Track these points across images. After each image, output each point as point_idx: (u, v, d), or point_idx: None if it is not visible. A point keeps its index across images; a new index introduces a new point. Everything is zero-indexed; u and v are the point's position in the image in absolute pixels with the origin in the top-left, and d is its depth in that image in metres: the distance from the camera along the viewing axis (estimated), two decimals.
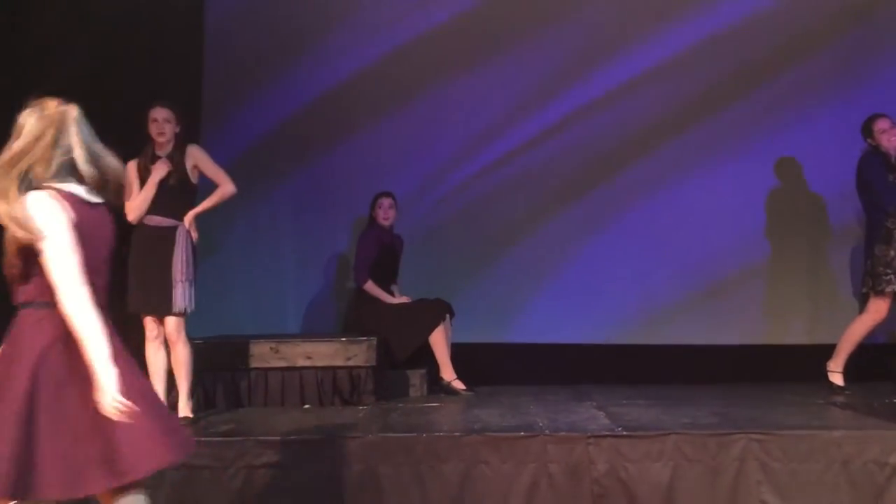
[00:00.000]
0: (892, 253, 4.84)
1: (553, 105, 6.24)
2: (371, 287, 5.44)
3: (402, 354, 5.29)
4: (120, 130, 4.88)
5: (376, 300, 5.43)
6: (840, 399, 4.84)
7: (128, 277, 4.29)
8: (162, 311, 4.22)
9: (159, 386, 4.29)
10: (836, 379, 5.12)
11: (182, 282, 4.20)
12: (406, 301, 5.49)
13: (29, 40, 5.07)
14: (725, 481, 3.69)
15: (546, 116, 6.23)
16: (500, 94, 6.24)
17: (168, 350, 4.32)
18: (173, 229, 4.24)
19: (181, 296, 4.19)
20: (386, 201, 5.59)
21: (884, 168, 4.94)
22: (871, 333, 5.14)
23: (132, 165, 4.31)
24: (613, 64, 6.24)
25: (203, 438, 3.86)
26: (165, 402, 4.25)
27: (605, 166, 6.22)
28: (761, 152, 6.16)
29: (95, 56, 5.06)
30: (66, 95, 4.94)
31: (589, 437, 3.75)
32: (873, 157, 4.99)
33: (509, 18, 6.29)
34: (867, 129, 5.08)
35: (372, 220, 5.61)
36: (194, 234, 4.30)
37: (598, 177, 6.21)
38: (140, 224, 4.26)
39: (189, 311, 4.26)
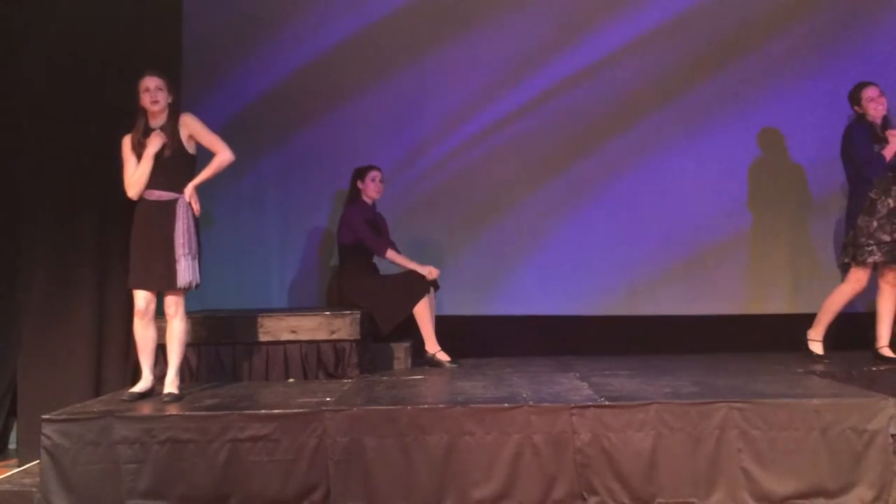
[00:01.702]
0: (875, 224, 4.87)
1: (534, 78, 6.22)
2: (392, 255, 5.42)
3: (387, 327, 5.30)
4: (99, 105, 4.92)
5: (361, 273, 5.42)
6: (819, 368, 4.89)
7: (121, 252, 4.26)
8: (166, 285, 4.17)
9: (147, 360, 4.28)
10: (816, 348, 5.19)
11: (184, 255, 4.13)
12: (422, 269, 5.40)
13: (3, 15, 4.98)
14: (706, 449, 3.74)
15: (528, 90, 6.22)
16: (483, 68, 6.22)
17: (157, 325, 4.28)
18: (174, 202, 4.18)
19: (185, 270, 4.13)
20: (378, 174, 5.54)
21: (869, 137, 4.94)
22: (851, 303, 5.20)
23: (126, 141, 4.25)
24: (594, 37, 6.23)
25: (188, 413, 3.87)
26: (151, 376, 4.26)
27: (586, 139, 6.22)
28: (743, 123, 6.18)
29: (72, 31, 4.98)
30: (44, 71, 4.93)
31: (572, 408, 3.78)
32: (859, 126, 4.99)
33: None
34: (855, 97, 5.06)
35: (356, 193, 5.55)
36: (196, 206, 4.23)
37: (579, 150, 6.22)
38: (140, 199, 4.21)
39: (195, 284, 4.21)
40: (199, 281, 4.24)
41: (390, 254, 5.44)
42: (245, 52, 6.17)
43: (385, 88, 6.22)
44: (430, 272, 5.40)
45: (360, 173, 5.55)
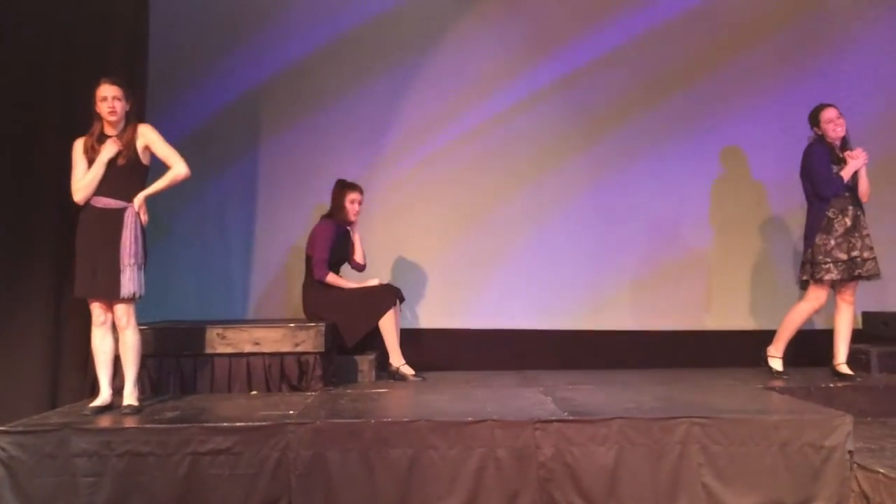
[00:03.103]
0: (832, 242, 4.95)
1: (499, 95, 6.28)
2: (332, 279, 5.40)
3: (352, 340, 5.28)
4: (62, 110, 4.84)
5: (326, 285, 5.39)
6: (779, 384, 4.96)
7: (74, 261, 4.19)
8: (110, 295, 4.11)
9: (105, 372, 4.21)
10: (776, 364, 5.25)
11: (131, 266, 4.07)
12: (372, 285, 5.45)
13: None
14: (668, 464, 3.77)
15: (494, 104, 6.27)
16: (451, 82, 6.26)
17: (115, 336, 4.22)
18: (122, 211, 4.11)
19: (130, 280, 4.07)
20: (358, 196, 5.51)
21: (827, 158, 5.02)
22: (810, 320, 5.28)
23: (78, 144, 4.20)
24: (560, 54, 6.32)
25: (148, 425, 3.82)
26: (111, 389, 4.19)
27: (552, 155, 6.28)
28: (705, 142, 6.29)
29: (33, 37, 4.91)
30: (5, 75, 4.84)
31: (536, 422, 3.79)
32: (818, 147, 5.06)
33: (458, 6, 6.31)
34: (814, 118, 5.13)
35: (334, 210, 5.49)
36: (144, 217, 4.18)
37: (544, 165, 6.28)
38: (87, 205, 4.14)
39: (139, 295, 4.15)
40: (142, 292, 4.17)
41: (329, 277, 5.39)
42: (212, 63, 6.14)
43: (353, 99, 6.23)
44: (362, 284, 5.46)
45: (343, 192, 5.48)
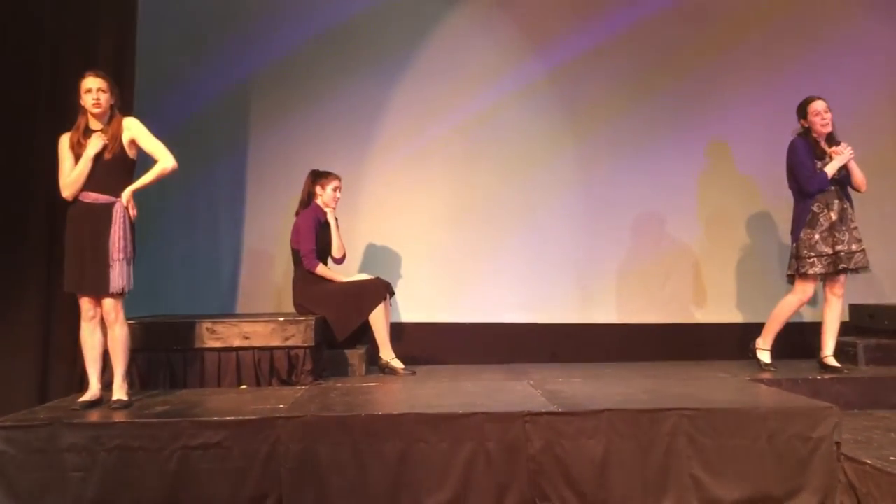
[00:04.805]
0: (817, 237, 4.98)
1: (490, 89, 6.29)
2: (322, 270, 5.39)
3: (342, 334, 5.27)
4: (49, 107, 4.82)
5: (316, 279, 5.38)
6: (766, 376, 4.98)
7: (63, 255, 4.17)
8: (99, 290, 4.09)
9: (94, 367, 4.20)
10: (764, 356, 5.28)
11: (119, 260, 4.06)
12: (362, 279, 5.44)
13: None
14: (657, 456, 3.79)
15: (483, 100, 6.27)
16: (440, 76, 6.26)
17: (104, 330, 4.21)
18: (110, 206, 4.10)
19: (118, 275, 4.06)
20: (340, 184, 5.48)
21: (811, 154, 5.03)
22: (797, 312, 5.31)
23: (64, 139, 4.17)
24: (549, 50, 6.34)
25: (138, 420, 3.81)
26: (100, 384, 4.18)
27: (540, 150, 6.29)
28: (693, 137, 6.32)
29: (24, 32, 4.88)
30: None
31: (525, 415, 3.80)
32: (803, 142, 5.07)
33: (448, 2, 6.32)
34: (802, 110, 5.13)
35: (311, 198, 5.49)
36: (132, 212, 4.16)
37: (533, 161, 6.29)
38: (75, 200, 4.12)
39: (127, 290, 4.14)
40: (131, 286, 4.16)
41: (320, 269, 5.39)
42: (201, 57, 6.12)
43: (342, 94, 6.22)
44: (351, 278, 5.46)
45: (320, 178, 5.48)
